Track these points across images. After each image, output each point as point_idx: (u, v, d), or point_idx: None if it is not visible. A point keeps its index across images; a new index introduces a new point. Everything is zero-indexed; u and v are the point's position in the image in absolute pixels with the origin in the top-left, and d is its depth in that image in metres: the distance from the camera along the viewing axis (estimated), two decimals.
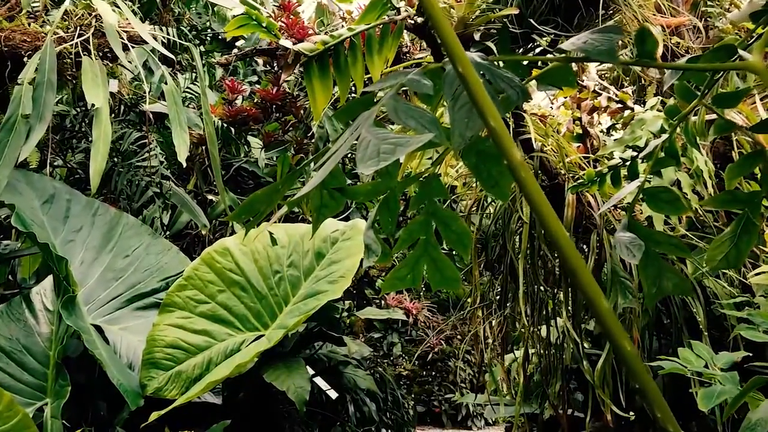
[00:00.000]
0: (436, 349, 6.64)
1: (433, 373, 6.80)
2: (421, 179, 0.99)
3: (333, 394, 3.70)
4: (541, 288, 2.21)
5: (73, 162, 3.63)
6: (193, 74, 3.88)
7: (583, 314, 2.11)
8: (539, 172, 2.11)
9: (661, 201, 1.09)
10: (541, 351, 2.33)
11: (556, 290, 2.29)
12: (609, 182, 1.47)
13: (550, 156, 2.12)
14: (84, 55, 2.77)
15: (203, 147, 3.70)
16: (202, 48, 3.69)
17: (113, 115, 3.43)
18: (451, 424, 6.62)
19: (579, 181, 1.39)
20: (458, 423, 6.62)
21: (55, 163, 3.72)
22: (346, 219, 3.50)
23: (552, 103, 3.09)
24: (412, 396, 6.49)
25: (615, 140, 1.99)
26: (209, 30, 4.45)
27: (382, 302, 5.11)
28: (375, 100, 0.87)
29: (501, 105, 0.80)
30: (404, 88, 0.80)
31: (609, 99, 2.21)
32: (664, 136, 1.10)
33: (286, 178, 0.80)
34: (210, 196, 3.85)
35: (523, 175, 0.52)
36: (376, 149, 0.72)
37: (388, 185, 0.95)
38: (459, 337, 6.85)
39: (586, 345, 2.30)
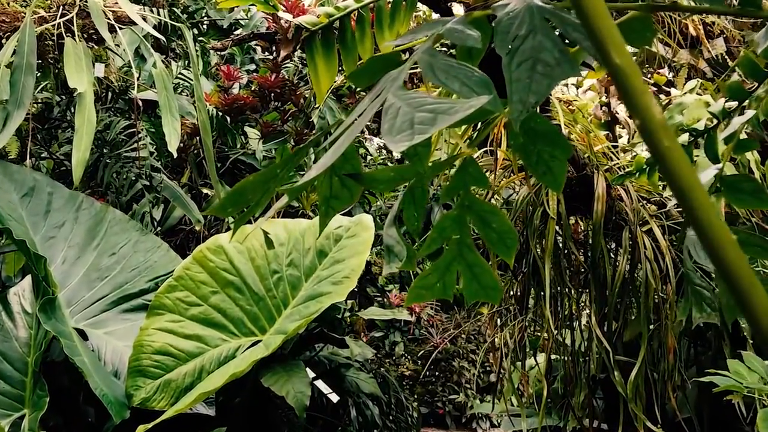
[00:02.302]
0: (440, 349, 6.44)
1: (437, 373, 6.60)
2: (455, 164, 0.80)
3: (334, 398, 3.53)
4: (566, 289, 2.02)
5: (59, 153, 3.43)
6: (186, 61, 3.67)
7: (613, 319, 1.92)
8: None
9: (743, 192, 0.90)
10: (565, 358, 2.13)
11: (581, 291, 2.10)
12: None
13: (577, 145, 1.92)
14: (67, 36, 2.56)
15: (198, 138, 3.50)
16: (195, 31, 3.48)
17: (100, 102, 3.22)
18: (455, 425, 6.42)
19: (627, 170, 1.20)
20: (462, 425, 6.42)
21: (42, 155, 3.52)
22: (348, 214, 3.30)
23: (568, 89, 2.90)
24: (415, 397, 6.30)
25: None
26: (205, 17, 4.23)
27: (385, 300, 4.92)
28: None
29: (574, 61, 0.60)
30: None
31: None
32: (749, 114, 0.91)
33: (287, 159, 0.60)
34: (205, 190, 3.65)
35: (667, 145, 0.32)
36: (409, 119, 0.52)
37: (415, 171, 0.75)
38: (464, 336, 6.65)
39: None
